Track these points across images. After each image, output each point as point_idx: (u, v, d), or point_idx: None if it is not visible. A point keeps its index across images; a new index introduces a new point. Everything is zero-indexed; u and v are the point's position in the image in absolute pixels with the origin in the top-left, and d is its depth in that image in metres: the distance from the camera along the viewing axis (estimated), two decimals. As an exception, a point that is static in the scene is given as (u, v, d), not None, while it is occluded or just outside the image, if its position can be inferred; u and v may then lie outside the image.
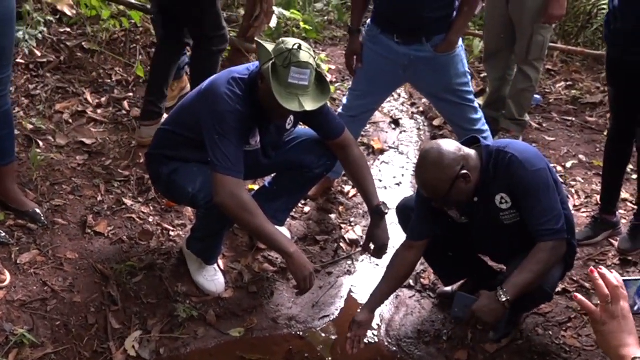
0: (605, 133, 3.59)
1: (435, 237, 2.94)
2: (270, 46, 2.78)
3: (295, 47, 2.68)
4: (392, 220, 3.24)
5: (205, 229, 3.15)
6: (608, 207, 3.52)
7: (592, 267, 1.56)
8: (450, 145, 2.64)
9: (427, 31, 3.35)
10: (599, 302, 1.52)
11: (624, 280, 1.55)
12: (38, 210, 3.28)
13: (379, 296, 2.98)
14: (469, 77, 3.59)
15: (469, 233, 2.92)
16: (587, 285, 3.23)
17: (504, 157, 2.66)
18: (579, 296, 1.58)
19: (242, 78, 2.86)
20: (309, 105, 2.73)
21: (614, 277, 1.53)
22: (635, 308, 1.59)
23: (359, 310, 2.97)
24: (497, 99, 4.56)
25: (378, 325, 3.27)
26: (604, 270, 1.53)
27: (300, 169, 3.24)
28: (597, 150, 4.45)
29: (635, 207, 3.54)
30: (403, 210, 3.12)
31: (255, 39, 4.31)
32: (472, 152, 2.69)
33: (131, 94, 4.35)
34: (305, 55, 2.70)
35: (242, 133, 2.86)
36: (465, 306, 2.67)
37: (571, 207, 3.60)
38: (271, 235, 2.86)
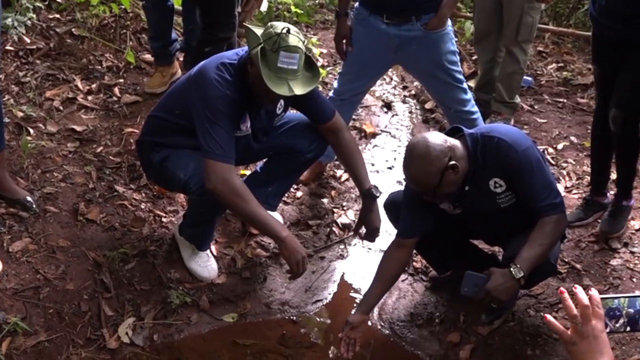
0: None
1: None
2: (259, 30, 2.77)
3: (284, 31, 2.67)
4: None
5: (197, 215, 3.15)
6: (598, 189, 3.52)
7: (561, 288, 1.53)
8: (436, 138, 2.63)
9: (416, 10, 3.33)
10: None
11: (602, 298, 1.50)
12: (29, 198, 3.26)
13: (372, 298, 2.95)
14: (458, 58, 3.58)
15: (463, 222, 2.91)
16: (577, 266, 3.24)
17: (490, 142, 2.66)
18: (549, 317, 1.56)
19: (232, 63, 2.85)
20: (299, 90, 2.72)
21: (587, 296, 1.48)
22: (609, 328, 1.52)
23: (352, 312, 2.95)
24: (488, 81, 4.55)
25: (371, 308, 3.28)
26: (578, 289, 1.49)
27: (292, 153, 3.24)
28: (589, 131, 4.39)
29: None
30: (391, 206, 3.11)
31: (245, 23, 4.29)
32: (457, 142, 2.68)
33: (122, 80, 4.32)
34: (294, 39, 2.69)
35: (232, 118, 2.85)
36: (475, 285, 2.65)
37: (562, 189, 3.61)
38: (263, 220, 2.86)
